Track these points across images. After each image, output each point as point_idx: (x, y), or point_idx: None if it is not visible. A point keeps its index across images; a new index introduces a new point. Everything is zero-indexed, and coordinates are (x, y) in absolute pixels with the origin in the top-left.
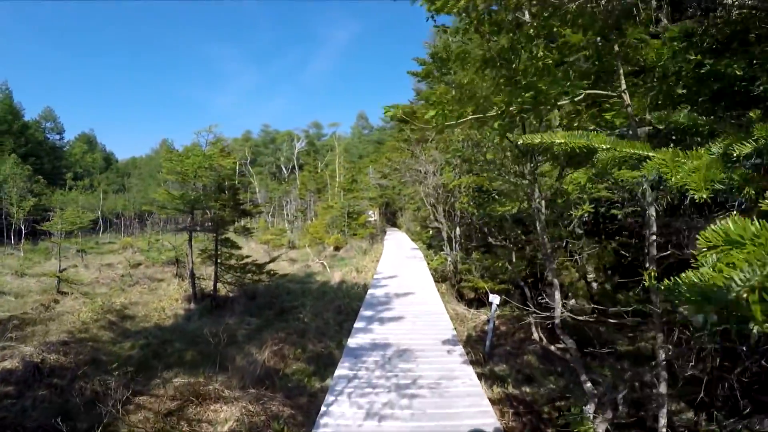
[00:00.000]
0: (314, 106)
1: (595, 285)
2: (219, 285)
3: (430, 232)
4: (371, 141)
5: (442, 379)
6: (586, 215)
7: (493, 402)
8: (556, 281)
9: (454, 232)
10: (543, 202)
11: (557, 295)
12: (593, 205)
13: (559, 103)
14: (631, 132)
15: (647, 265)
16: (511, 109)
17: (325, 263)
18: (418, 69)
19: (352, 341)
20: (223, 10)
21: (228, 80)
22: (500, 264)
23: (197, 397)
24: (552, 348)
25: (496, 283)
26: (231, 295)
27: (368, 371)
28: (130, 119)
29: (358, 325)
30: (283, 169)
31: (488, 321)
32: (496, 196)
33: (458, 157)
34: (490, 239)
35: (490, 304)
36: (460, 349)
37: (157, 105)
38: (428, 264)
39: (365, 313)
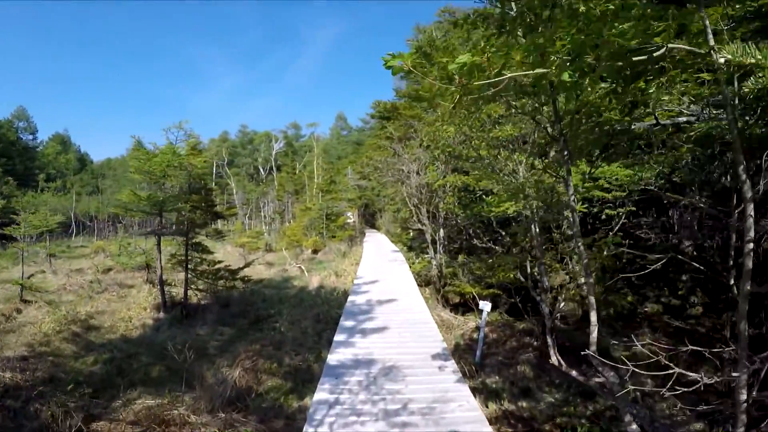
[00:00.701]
0: (295, 107)
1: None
2: (190, 292)
3: (411, 233)
4: (350, 142)
5: (436, 403)
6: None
7: (489, 421)
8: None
9: (438, 234)
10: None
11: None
12: (586, 206)
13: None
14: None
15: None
16: (586, 58)
17: (303, 267)
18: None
19: (333, 357)
20: (206, 10)
21: (210, 81)
22: (493, 264)
23: (160, 424)
24: (573, 373)
25: (484, 288)
26: (203, 302)
27: (351, 394)
28: (109, 120)
29: (338, 337)
30: (261, 170)
31: (478, 329)
32: (484, 196)
33: (447, 153)
34: (476, 241)
35: (480, 311)
36: (452, 364)
37: (137, 105)
38: (410, 267)
39: (346, 323)
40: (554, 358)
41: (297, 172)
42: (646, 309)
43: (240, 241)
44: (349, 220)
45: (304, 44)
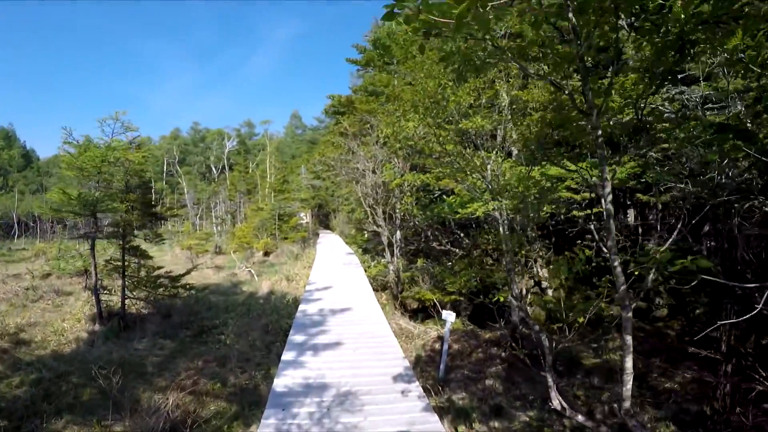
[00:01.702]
0: (251, 105)
1: (550, 292)
2: (129, 301)
3: (366, 235)
4: (304, 141)
5: None
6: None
7: None
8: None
9: (395, 237)
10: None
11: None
12: (553, 206)
13: None
14: None
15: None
16: None
17: (253, 271)
18: (358, 57)
19: (280, 382)
20: (159, 5)
21: (164, 78)
22: (454, 268)
23: None
24: (580, 418)
25: (444, 294)
26: (144, 312)
27: (301, 431)
28: (59, 114)
29: (286, 356)
30: (213, 169)
31: (440, 339)
32: (444, 197)
33: (408, 147)
34: (434, 244)
35: (443, 321)
36: (417, 387)
37: (86, 100)
38: (366, 271)
39: (296, 338)
40: (555, 401)
41: (250, 171)
42: (611, 312)
43: (187, 243)
44: (302, 221)
45: (260, 43)
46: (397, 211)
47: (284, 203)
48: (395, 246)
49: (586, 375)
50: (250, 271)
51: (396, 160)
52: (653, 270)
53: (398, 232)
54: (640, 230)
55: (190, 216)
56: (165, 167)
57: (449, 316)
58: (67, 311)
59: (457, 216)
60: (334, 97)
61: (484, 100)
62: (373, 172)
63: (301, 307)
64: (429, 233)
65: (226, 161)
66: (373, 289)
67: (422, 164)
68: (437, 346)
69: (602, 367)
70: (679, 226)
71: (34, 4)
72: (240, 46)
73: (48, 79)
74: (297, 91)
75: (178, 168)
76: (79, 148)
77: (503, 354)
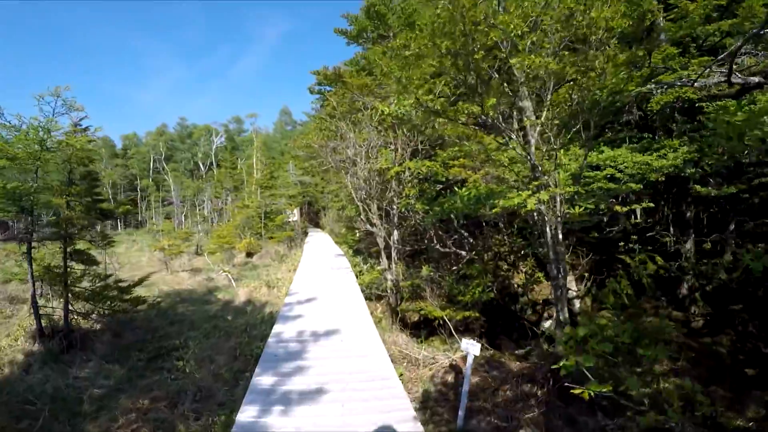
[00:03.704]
0: (240, 104)
1: (577, 303)
2: (79, 316)
3: (357, 234)
4: (294, 137)
5: None
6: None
7: None
8: None
9: (393, 238)
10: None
11: None
12: (592, 201)
13: None
14: None
15: None
16: None
17: (231, 275)
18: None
19: None
20: (149, 3)
21: (153, 76)
22: (470, 274)
23: None
24: None
25: (455, 310)
26: (97, 327)
27: None
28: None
29: (245, 414)
30: (201, 166)
31: (455, 373)
32: (455, 188)
33: (418, 109)
34: (438, 246)
35: (457, 346)
36: None
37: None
38: (357, 279)
39: (262, 381)
40: None
41: (238, 168)
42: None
43: (159, 245)
44: (290, 219)
45: (250, 40)
46: (395, 206)
47: (270, 200)
48: (393, 248)
49: (637, 410)
50: (227, 275)
51: (394, 142)
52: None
53: (396, 232)
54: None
55: (177, 214)
56: (152, 164)
57: (471, 347)
58: (15, 324)
59: (493, 211)
60: (321, 71)
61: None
62: (367, 157)
63: (276, 328)
64: (432, 233)
65: (214, 158)
66: (366, 298)
67: (427, 149)
68: (449, 378)
69: (655, 398)
70: None
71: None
72: (230, 43)
73: (36, 77)
74: (287, 89)
75: (164, 164)
76: (11, 129)
77: (539, 392)
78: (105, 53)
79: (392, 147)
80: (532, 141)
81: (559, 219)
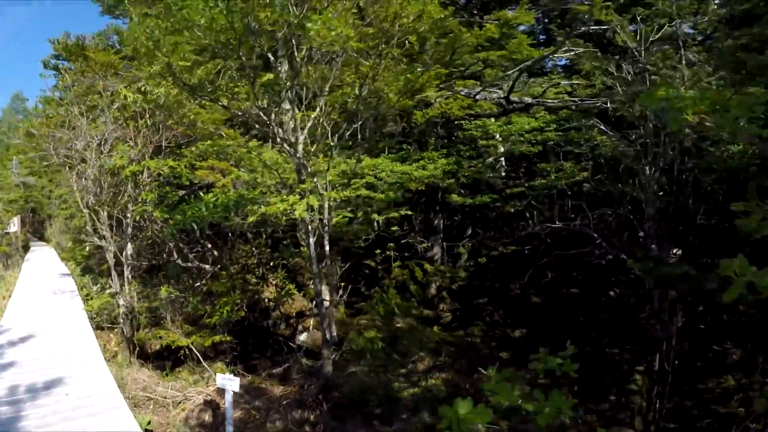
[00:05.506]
0: None
1: (334, 312)
2: None
3: (87, 248)
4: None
5: None
6: None
7: None
8: None
9: (126, 252)
10: None
11: None
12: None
13: None
14: None
15: None
16: None
17: None
18: None
19: None
20: None
21: None
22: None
23: None
24: None
25: (202, 335)
26: None
27: None
28: None
29: None
30: None
31: (213, 411)
32: (200, 193)
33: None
34: (178, 260)
35: (220, 389)
36: None
37: None
38: (85, 305)
39: None
40: None
41: None
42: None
43: None
44: (8, 230)
45: None
46: (130, 214)
47: None
48: (126, 266)
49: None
50: None
51: (134, 135)
52: None
53: (129, 245)
54: None
55: None
56: None
57: (229, 383)
58: None
59: (250, 219)
60: (60, 40)
61: None
62: (99, 153)
63: None
64: (172, 245)
65: None
66: (97, 327)
67: (173, 147)
68: (206, 417)
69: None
70: None
71: None
72: None
73: None
74: (24, 72)
75: None
76: None
77: (311, 416)
78: None
79: (131, 142)
80: (300, 138)
81: (327, 228)
